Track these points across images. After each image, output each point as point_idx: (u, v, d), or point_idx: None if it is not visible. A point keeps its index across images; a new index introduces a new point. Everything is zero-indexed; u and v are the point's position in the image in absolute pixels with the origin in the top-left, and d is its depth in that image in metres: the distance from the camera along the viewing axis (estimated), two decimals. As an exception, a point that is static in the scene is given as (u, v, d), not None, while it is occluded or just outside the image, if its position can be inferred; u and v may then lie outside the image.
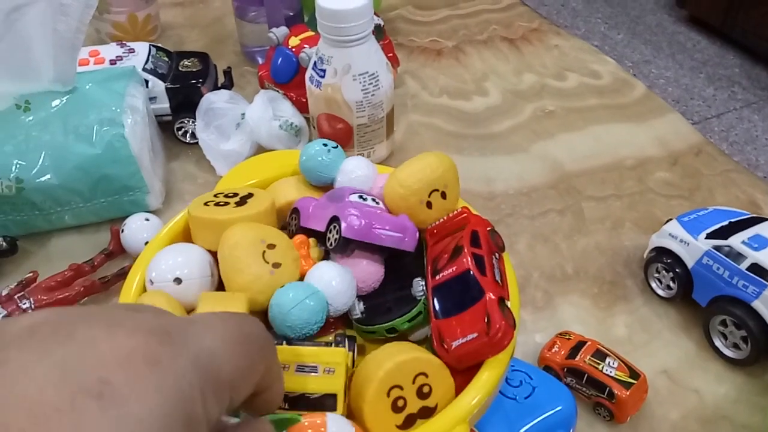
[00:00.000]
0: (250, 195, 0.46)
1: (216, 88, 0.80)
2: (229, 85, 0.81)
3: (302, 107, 0.79)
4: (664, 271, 0.60)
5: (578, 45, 0.98)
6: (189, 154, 0.79)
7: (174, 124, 0.79)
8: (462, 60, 0.95)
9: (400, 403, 0.35)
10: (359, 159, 0.50)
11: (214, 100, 0.76)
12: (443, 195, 0.46)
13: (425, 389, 0.36)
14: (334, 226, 0.42)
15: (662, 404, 0.54)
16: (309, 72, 0.71)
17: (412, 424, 0.36)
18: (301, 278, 0.42)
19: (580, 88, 0.89)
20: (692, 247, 0.58)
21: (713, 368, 0.56)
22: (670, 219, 0.62)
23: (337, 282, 0.41)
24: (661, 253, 0.61)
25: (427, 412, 0.36)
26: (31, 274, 0.62)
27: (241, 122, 0.76)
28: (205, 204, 0.45)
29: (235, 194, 0.46)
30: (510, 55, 0.96)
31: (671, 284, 0.60)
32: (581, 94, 0.88)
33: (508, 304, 0.38)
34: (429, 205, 0.46)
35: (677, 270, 0.59)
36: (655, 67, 2.44)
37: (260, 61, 0.92)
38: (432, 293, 0.40)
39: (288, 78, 0.81)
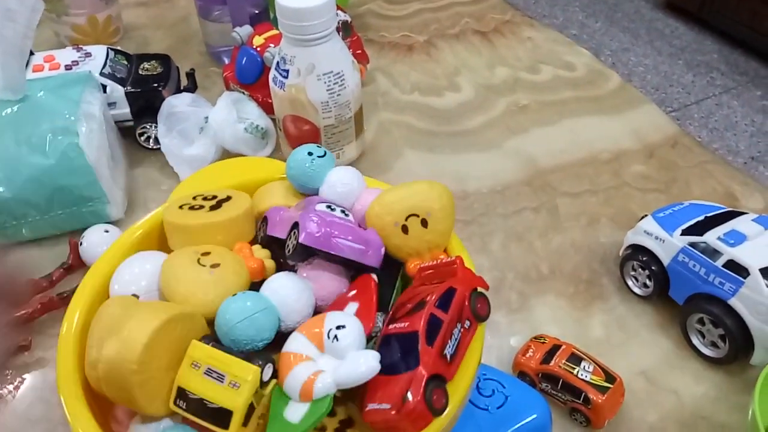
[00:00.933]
0: (228, 198, 0.44)
1: (179, 90, 0.77)
2: (192, 87, 0.79)
3: (269, 108, 0.76)
4: (640, 269, 0.59)
5: (552, 36, 0.96)
6: (152, 159, 0.76)
7: (136, 130, 0.76)
8: (434, 55, 0.92)
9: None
10: (346, 170, 0.47)
11: (175, 104, 0.73)
12: (423, 223, 0.42)
13: None
14: (294, 233, 0.40)
15: (640, 406, 0.52)
16: (272, 73, 0.69)
17: None
18: (256, 282, 0.41)
19: (555, 81, 0.87)
20: (668, 244, 0.56)
21: (691, 367, 0.55)
22: (645, 215, 0.60)
23: (292, 295, 0.38)
24: (637, 250, 0.59)
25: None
26: (-14, 292, 0.59)
27: (204, 126, 0.73)
28: (180, 207, 0.43)
29: (214, 197, 0.44)
30: (482, 48, 0.94)
31: (647, 282, 0.59)
32: (555, 87, 0.86)
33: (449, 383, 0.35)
34: (404, 229, 0.42)
35: (653, 268, 0.57)
36: (634, 54, 2.43)
37: (226, 61, 0.90)
38: (378, 341, 0.37)
39: (253, 79, 0.78)
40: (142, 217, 0.46)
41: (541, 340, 0.54)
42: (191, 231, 0.41)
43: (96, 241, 0.62)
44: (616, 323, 0.58)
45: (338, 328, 0.35)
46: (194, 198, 0.44)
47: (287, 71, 0.66)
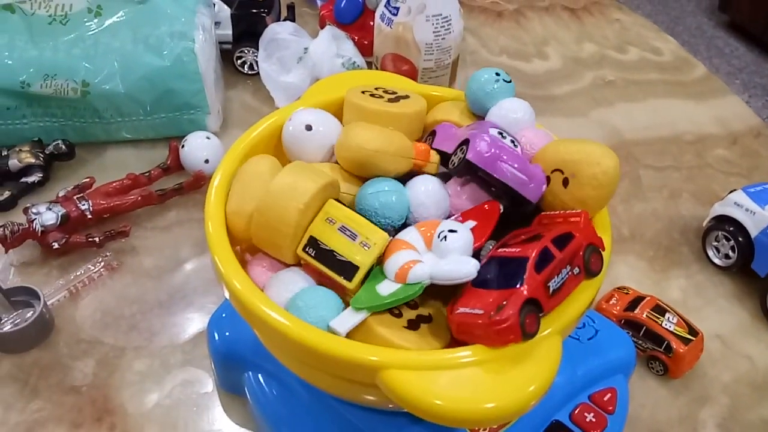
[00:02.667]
0: (406, 96, 0.45)
1: (280, 20, 0.79)
2: (292, 19, 0.81)
3: (363, 50, 0.78)
4: (724, 240, 0.60)
5: (640, 21, 0.97)
6: (247, 84, 0.78)
7: (234, 54, 0.78)
8: (522, 23, 0.94)
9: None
10: (520, 102, 0.44)
11: (278, 30, 0.75)
12: (565, 182, 0.39)
13: None
14: (462, 149, 0.40)
15: (715, 366, 0.53)
16: (380, 9, 0.70)
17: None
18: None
19: (641, 62, 0.88)
20: (758, 216, 0.57)
21: (767, 338, 0.56)
22: (735, 189, 0.61)
23: (428, 194, 0.40)
24: (723, 221, 0.60)
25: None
26: (87, 180, 0.62)
27: (303, 56, 0.75)
28: (362, 92, 0.44)
29: (394, 92, 0.45)
30: (571, 23, 0.95)
31: (730, 253, 0.60)
32: (642, 68, 0.87)
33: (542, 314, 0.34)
34: (546, 180, 0.40)
35: (739, 239, 0.58)
36: (691, 69, 2.41)
37: (319, 3, 0.91)
38: (484, 260, 0.37)
39: (352, 19, 0.80)
40: (235, 134, 0.47)
41: (625, 291, 0.56)
42: (367, 114, 0.42)
43: (197, 146, 0.64)
44: (694, 289, 0.60)
45: (450, 231, 0.37)
46: (376, 89, 0.45)
47: (397, 9, 0.68)
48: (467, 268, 0.35)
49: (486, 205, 0.41)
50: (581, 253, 0.35)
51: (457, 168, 0.39)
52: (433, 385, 0.32)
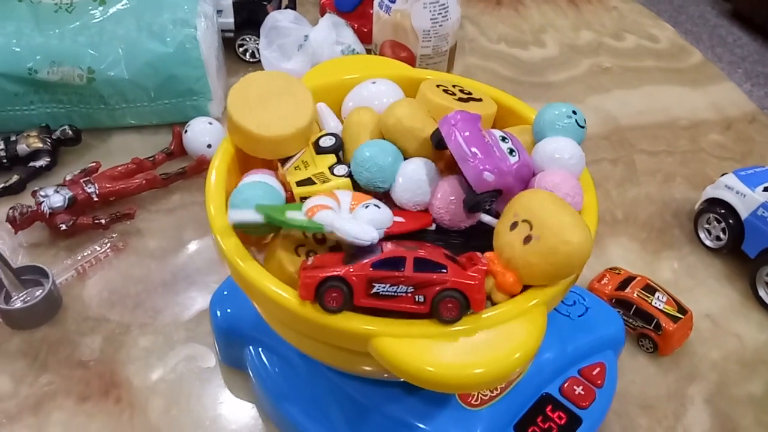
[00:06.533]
0: (479, 99, 0.45)
1: (280, 8, 0.81)
2: (292, 8, 0.82)
3: (363, 37, 0.79)
4: (715, 222, 0.61)
5: (637, 9, 0.98)
6: (249, 71, 0.79)
7: (236, 42, 0.80)
8: (521, 11, 0.95)
9: None
10: (575, 147, 0.41)
11: (279, 18, 0.76)
12: (527, 239, 0.35)
13: None
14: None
15: (704, 344, 0.55)
16: (379, -3, 0.72)
17: None
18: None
19: (638, 49, 0.89)
20: (748, 199, 0.58)
21: (756, 317, 0.57)
22: (726, 173, 0.63)
23: (413, 171, 0.39)
24: (714, 204, 0.61)
25: None
26: (93, 164, 0.64)
27: (303, 44, 0.76)
28: (437, 86, 0.45)
29: (469, 93, 0.45)
30: (569, 11, 0.96)
31: (721, 235, 0.61)
32: (638, 55, 0.88)
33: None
34: (513, 225, 0.36)
35: (730, 221, 0.60)
36: (693, 58, 2.41)
37: (320, -9, 0.92)
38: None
39: (352, 7, 0.81)
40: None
41: (616, 271, 0.57)
42: (433, 106, 0.43)
43: (200, 131, 0.65)
44: (685, 270, 0.61)
45: (375, 205, 0.37)
46: (454, 86, 0.46)
47: (396, -4, 0.69)
48: (365, 234, 0.35)
49: (422, 217, 0.40)
50: (437, 289, 0.34)
51: (432, 137, 0.39)
52: (425, 352, 0.33)
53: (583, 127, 0.42)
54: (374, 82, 0.46)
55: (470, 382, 0.33)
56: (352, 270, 0.33)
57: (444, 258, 0.35)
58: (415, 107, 0.42)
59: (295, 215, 0.36)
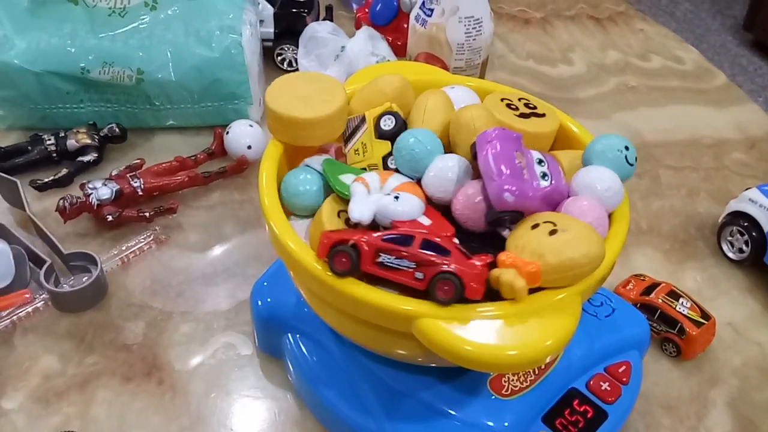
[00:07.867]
0: (542, 115, 0.46)
1: (318, 20, 0.84)
2: (330, 19, 0.85)
3: (397, 50, 0.82)
4: (738, 235, 0.63)
5: (663, 32, 1.00)
6: (286, 79, 0.82)
7: (275, 51, 0.83)
8: (549, 31, 0.97)
9: None
10: (616, 180, 0.41)
11: (318, 29, 0.79)
12: (552, 232, 0.37)
13: None
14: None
15: (726, 350, 0.56)
16: (415, 11, 0.74)
17: None
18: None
19: (664, 70, 0.91)
20: (771, 212, 0.60)
21: (777, 328, 0.59)
22: (750, 187, 0.64)
23: (443, 167, 0.40)
24: (738, 217, 0.63)
25: None
26: (138, 161, 0.66)
27: (340, 54, 0.79)
28: (502, 100, 0.46)
29: (534, 107, 0.46)
30: (596, 32, 0.98)
31: (744, 247, 0.63)
32: (664, 75, 0.90)
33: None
34: (535, 225, 0.38)
35: (753, 233, 0.61)
36: (715, 86, 2.42)
37: (354, 6, 0.96)
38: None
39: (386, 21, 0.84)
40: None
41: (641, 278, 0.59)
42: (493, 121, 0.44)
43: (240, 133, 0.68)
44: (708, 281, 0.62)
45: (395, 197, 0.39)
46: (520, 99, 0.47)
47: (432, 10, 0.72)
48: (354, 213, 0.38)
49: (447, 228, 0.40)
50: (437, 270, 0.35)
51: (471, 148, 0.40)
52: (464, 332, 0.35)
53: (632, 165, 0.42)
54: (453, 88, 0.48)
55: (504, 362, 0.35)
56: (365, 238, 0.36)
57: (452, 246, 0.37)
58: (490, 113, 0.43)
59: (345, 178, 0.40)
